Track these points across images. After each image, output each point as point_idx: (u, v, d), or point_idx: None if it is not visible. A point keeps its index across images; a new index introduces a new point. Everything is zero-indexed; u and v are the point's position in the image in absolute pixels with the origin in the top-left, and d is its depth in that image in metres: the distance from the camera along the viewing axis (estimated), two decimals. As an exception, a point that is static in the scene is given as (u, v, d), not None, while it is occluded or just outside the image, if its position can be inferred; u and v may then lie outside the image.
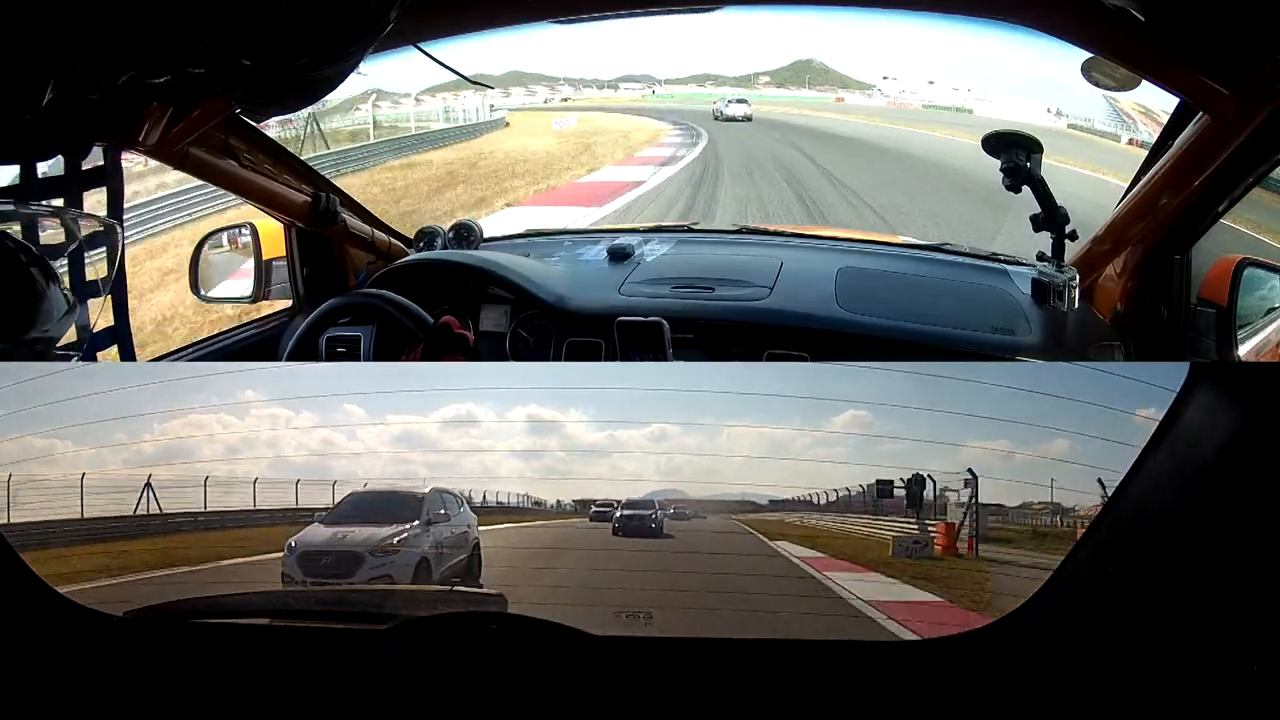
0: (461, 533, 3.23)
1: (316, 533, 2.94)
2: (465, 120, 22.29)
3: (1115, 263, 1.91)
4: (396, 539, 2.85)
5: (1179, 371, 0.97)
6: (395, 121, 21.65)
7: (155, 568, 3.36)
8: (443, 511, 3.13)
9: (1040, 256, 1.98)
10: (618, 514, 5.00)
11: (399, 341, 1.79)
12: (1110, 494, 1.03)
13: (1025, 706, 1.04)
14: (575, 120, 23.20)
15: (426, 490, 3.18)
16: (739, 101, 23.79)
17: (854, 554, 3.91)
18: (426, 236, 2.63)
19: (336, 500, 3.32)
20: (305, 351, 1.87)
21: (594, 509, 5.17)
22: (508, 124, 22.81)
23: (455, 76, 1.38)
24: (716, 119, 22.33)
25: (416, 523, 2.98)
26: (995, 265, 2.29)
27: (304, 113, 10.91)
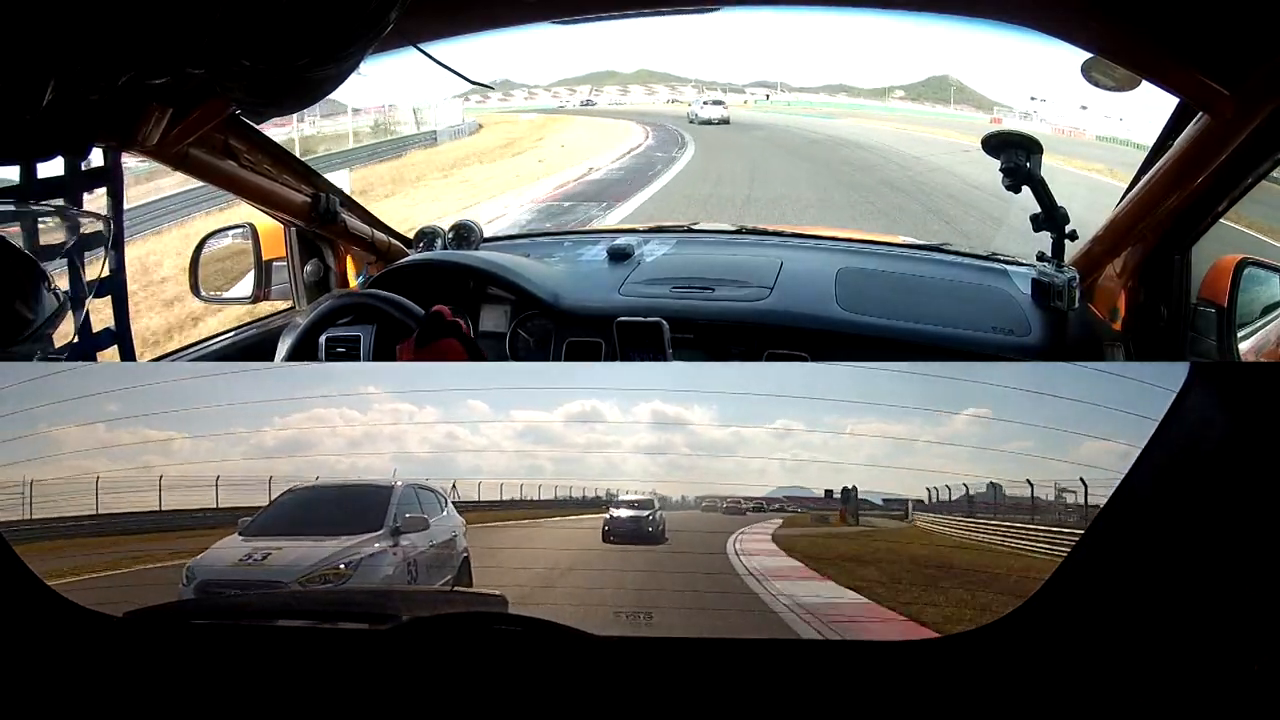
0: (445, 541, 2.39)
1: (227, 551, 2.07)
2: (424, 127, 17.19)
3: (1115, 263, 1.91)
4: (345, 560, 2.01)
5: (1179, 371, 0.98)
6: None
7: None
8: (418, 514, 2.30)
9: (1040, 256, 1.98)
10: (608, 515, 4.80)
11: (399, 340, 1.79)
12: (1110, 494, 1.03)
13: (1026, 706, 1.04)
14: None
15: (396, 484, 2.33)
16: (715, 103, 23.09)
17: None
18: (426, 237, 2.63)
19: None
20: (305, 352, 1.87)
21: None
22: (481, 126, 19.45)
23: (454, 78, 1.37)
24: (692, 122, 21.77)
25: (379, 532, 2.16)
26: (995, 265, 2.29)
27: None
